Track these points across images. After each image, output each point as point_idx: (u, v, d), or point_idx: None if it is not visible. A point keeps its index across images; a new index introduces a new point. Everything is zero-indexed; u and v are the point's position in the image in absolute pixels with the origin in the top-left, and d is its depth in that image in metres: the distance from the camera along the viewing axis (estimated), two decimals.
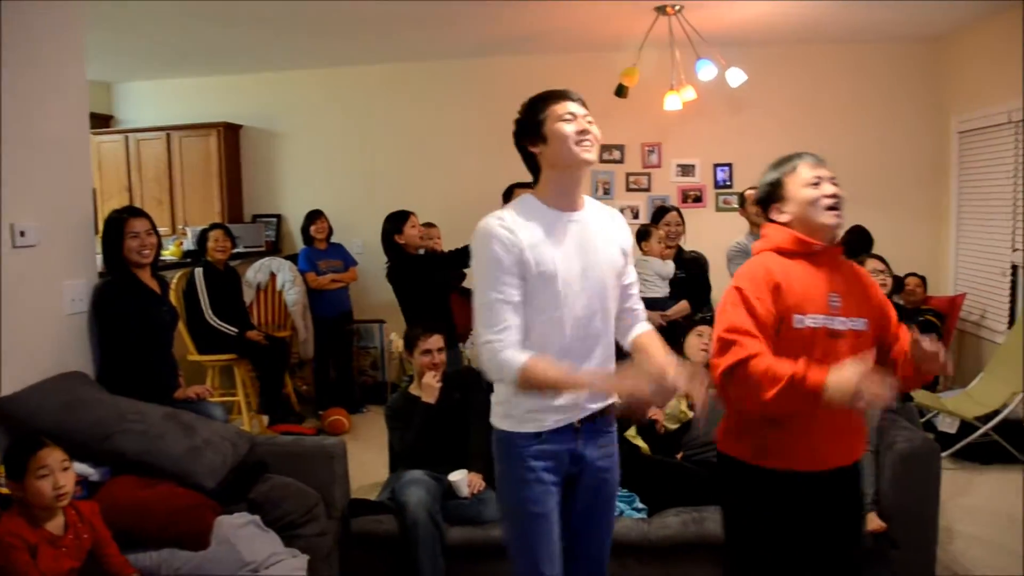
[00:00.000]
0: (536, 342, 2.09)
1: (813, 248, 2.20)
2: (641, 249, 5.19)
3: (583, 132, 2.10)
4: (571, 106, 2.12)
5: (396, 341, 6.01)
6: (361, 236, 7.02)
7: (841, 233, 2.25)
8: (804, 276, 2.18)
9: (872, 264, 3.65)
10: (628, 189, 7.16)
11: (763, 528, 2.26)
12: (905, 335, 2.26)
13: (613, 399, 2.26)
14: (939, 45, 6.53)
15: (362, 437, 5.65)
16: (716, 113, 6.71)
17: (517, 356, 2.01)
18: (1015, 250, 5.54)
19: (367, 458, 4.87)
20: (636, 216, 7.05)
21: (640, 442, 3.61)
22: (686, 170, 7.04)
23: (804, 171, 2.23)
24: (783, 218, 2.26)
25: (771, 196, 2.29)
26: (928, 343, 2.04)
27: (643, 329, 2.38)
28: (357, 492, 3.62)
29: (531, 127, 2.15)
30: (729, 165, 6.96)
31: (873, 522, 3.17)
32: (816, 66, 6.75)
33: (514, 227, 2.07)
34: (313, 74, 7.48)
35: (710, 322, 3.77)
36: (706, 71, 5.69)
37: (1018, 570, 3.55)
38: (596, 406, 2.22)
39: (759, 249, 2.31)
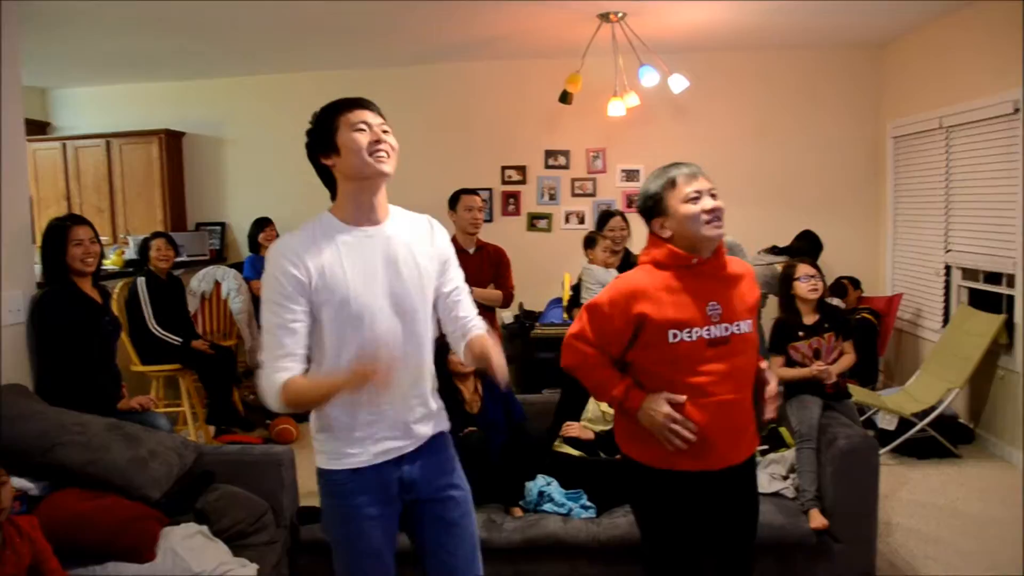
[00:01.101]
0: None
1: (688, 262, 2.24)
2: (587, 257, 5.25)
3: (377, 142, 1.97)
4: (365, 115, 1.99)
5: None
6: None
7: (717, 244, 2.28)
8: (680, 290, 2.22)
9: (804, 269, 3.74)
10: (573, 194, 7.24)
11: (665, 525, 2.33)
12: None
13: (443, 427, 2.20)
14: (876, 52, 6.72)
15: (311, 445, 5.58)
16: (660, 119, 6.82)
17: (280, 376, 1.93)
18: (947, 251, 5.73)
19: None
20: (582, 221, 7.12)
21: (570, 450, 3.65)
22: (631, 175, 7.13)
23: (683, 186, 2.24)
24: (665, 233, 2.28)
25: (653, 210, 2.31)
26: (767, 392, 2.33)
27: (476, 334, 2.20)
28: (306, 500, 3.58)
29: (323, 138, 2.00)
30: None
31: (815, 519, 3.24)
32: (757, 72, 6.90)
33: (301, 250, 1.95)
34: (258, 81, 7.43)
35: None
36: (649, 77, 5.77)
37: (953, 559, 3.67)
38: (422, 436, 2.12)
39: (641, 261, 2.36)
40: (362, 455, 2.05)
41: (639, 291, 2.21)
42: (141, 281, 5.32)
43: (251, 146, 7.55)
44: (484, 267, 4.53)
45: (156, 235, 5.61)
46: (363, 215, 2.03)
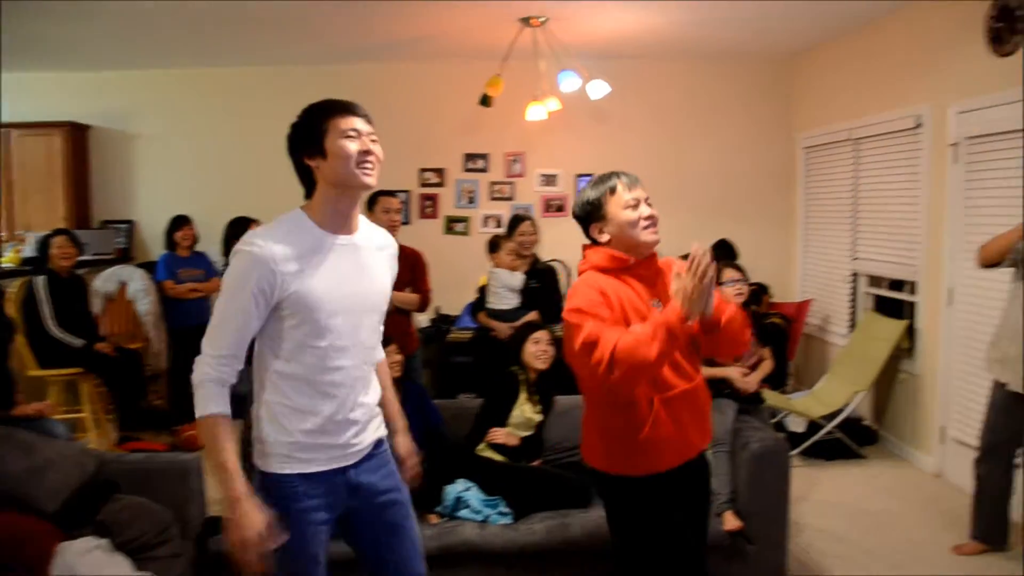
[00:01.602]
0: (313, 380, 2.01)
1: (628, 263, 2.30)
2: (491, 261, 5.23)
3: (366, 152, 1.98)
4: (356, 122, 1.99)
5: None
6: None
7: (654, 248, 2.34)
8: (625, 290, 2.27)
9: (729, 274, 3.80)
10: (492, 198, 7.23)
11: (646, 532, 2.33)
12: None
13: (382, 433, 2.22)
14: (788, 64, 6.92)
15: None
16: (579, 124, 6.87)
17: (212, 402, 1.98)
18: (855, 259, 5.92)
19: None
20: (499, 225, 7.10)
21: (493, 454, 3.63)
22: (549, 180, 7.17)
23: (622, 193, 2.30)
24: (604, 238, 2.34)
25: (591, 215, 2.35)
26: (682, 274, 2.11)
27: (378, 357, 2.31)
28: (215, 510, 3.47)
29: (310, 138, 1.99)
30: (591, 175, 7.09)
31: (730, 521, 3.30)
32: (676, 80, 7.03)
33: (275, 251, 1.92)
34: (171, 75, 7.17)
35: (545, 327, 3.85)
36: (569, 83, 5.79)
37: (859, 557, 3.78)
38: (368, 443, 2.14)
39: (581, 269, 2.39)
40: (314, 461, 2.03)
41: (597, 284, 2.25)
42: (40, 280, 5.09)
43: (163, 142, 7.27)
44: (401, 270, 4.46)
45: (57, 232, 5.39)
46: (339, 223, 2.05)
